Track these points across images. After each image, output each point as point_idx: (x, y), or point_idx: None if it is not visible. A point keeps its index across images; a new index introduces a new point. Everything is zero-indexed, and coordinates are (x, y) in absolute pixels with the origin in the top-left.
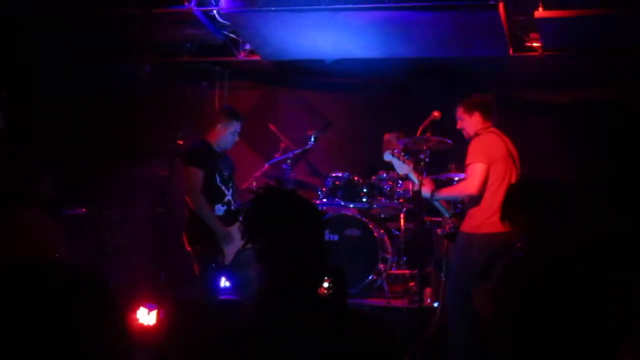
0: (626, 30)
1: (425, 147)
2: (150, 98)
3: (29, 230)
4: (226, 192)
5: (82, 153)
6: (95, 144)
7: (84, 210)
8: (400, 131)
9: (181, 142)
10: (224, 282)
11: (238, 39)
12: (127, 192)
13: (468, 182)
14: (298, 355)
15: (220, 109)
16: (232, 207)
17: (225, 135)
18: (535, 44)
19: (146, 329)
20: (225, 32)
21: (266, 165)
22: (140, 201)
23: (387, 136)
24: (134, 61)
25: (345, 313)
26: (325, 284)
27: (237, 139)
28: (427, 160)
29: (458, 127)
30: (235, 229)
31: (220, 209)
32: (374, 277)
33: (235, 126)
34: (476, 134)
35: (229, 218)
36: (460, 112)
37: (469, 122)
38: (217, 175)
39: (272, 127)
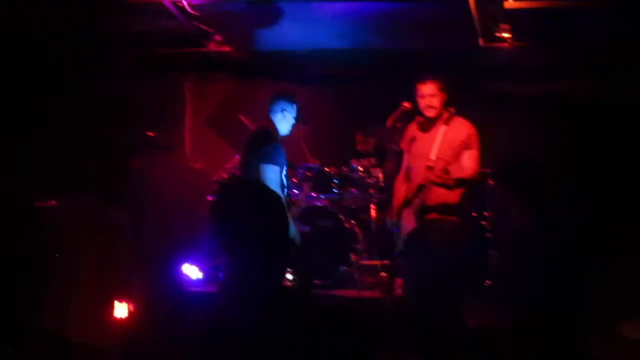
0: (597, 23)
1: (396, 138)
2: (121, 90)
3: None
4: (286, 184)
5: (54, 145)
6: (66, 136)
7: (54, 202)
8: (367, 129)
9: (152, 134)
10: (196, 275)
11: (209, 30)
12: (99, 183)
13: (476, 167)
14: (262, 344)
15: (277, 96)
16: None
17: (288, 120)
18: (505, 35)
19: (119, 322)
20: (196, 24)
21: (237, 156)
22: (112, 192)
23: (359, 137)
24: (105, 53)
25: (309, 303)
26: (290, 276)
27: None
28: (398, 151)
29: (428, 103)
30: None
31: None
32: (346, 268)
33: (295, 109)
34: (442, 114)
35: None
36: (435, 89)
37: (441, 102)
38: (285, 167)
39: (243, 118)
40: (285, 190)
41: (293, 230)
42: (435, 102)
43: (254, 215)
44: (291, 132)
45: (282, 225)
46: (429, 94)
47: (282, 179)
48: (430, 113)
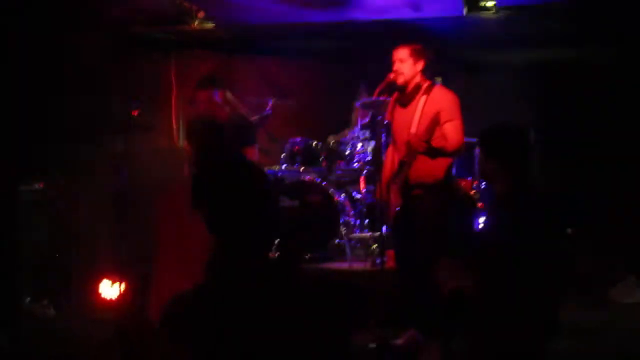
0: None
1: (383, 110)
2: (105, 70)
3: None
4: None
5: (37, 127)
6: (49, 118)
7: (41, 185)
8: (358, 101)
9: (135, 114)
10: None
11: (191, 6)
12: (84, 166)
13: (461, 138)
14: (246, 317)
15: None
16: None
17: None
18: (489, 3)
19: (109, 303)
20: (178, 1)
21: None
22: (97, 174)
23: (352, 110)
24: (87, 33)
25: (296, 276)
26: (275, 247)
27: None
28: (385, 123)
29: (396, 68)
30: None
31: None
32: (337, 241)
33: (198, 96)
34: (422, 85)
35: None
36: (405, 54)
37: (411, 68)
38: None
39: (229, 95)
40: None
41: None
42: (405, 68)
43: (234, 190)
44: (272, 108)
45: (265, 200)
46: (399, 59)
47: None
48: (399, 80)
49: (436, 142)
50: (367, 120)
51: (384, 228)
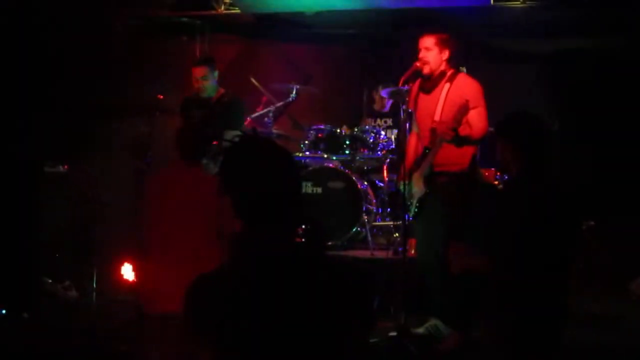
0: None
1: (407, 98)
2: (131, 53)
3: None
4: None
5: (62, 109)
6: (75, 100)
7: (66, 167)
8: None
9: (161, 97)
10: None
11: None
12: (108, 147)
13: (485, 125)
14: (271, 303)
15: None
16: None
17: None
18: None
19: (130, 284)
20: None
21: (248, 119)
22: (121, 157)
23: (376, 97)
24: (113, 16)
25: (321, 261)
26: (301, 233)
27: (203, 84)
28: (409, 111)
29: (421, 56)
30: None
31: None
32: (358, 228)
33: (194, 72)
34: (446, 73)
35: None
36: (430, 43)
37: (437, 57)
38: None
39: (253, 80)
40: None
41: None
42: (430, 56)
43: (262, 173)
44: (297, 95)
45: (292, 183)
46: (424, 47)
47: None
48: (425, 69)
49: (462, 130)
50: (389, 108)
51: (406, 216)
